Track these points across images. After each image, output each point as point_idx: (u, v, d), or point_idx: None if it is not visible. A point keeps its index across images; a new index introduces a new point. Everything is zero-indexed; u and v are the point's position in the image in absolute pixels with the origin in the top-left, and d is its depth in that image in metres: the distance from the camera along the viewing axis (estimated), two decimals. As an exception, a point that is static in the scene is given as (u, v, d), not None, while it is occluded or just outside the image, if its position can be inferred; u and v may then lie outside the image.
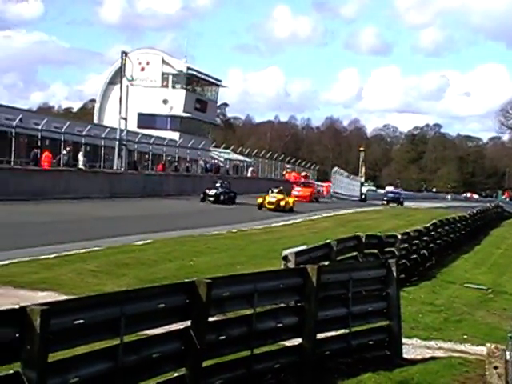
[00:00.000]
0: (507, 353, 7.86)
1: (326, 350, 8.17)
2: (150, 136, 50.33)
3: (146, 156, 48.01)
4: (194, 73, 72.46)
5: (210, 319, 6.56)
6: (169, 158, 50.80)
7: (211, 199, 36.36)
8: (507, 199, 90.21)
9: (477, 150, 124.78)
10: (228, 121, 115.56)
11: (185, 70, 70.66)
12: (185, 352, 6.23)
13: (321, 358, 7.93)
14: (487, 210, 43.05)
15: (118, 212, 26.99)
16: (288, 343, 7.89)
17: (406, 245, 16.98)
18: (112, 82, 65.14)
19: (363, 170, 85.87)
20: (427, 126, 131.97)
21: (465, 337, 11.58)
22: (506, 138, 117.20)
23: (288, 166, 70.24)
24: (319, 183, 65.80)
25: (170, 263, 14.77)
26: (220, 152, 65.69)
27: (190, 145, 51.52)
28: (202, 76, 74.27)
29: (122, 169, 40.24)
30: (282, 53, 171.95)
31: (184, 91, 70.85)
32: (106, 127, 45.88)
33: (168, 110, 69.68)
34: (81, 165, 36.46)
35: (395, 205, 59.13)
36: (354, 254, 13.00)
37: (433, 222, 22.01)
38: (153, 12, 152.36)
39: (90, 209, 26.90)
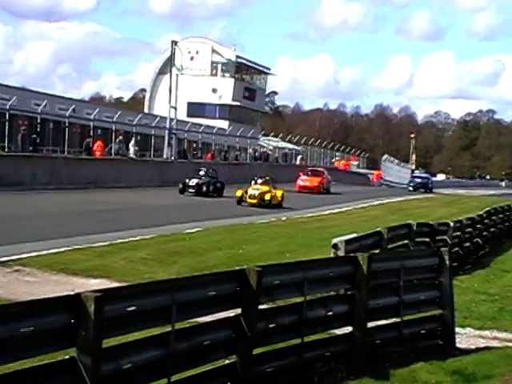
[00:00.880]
0: None
1: (376, 338, 8.10)
2: (200, 125, 50.60)
3: (195, 145, 48.30)
4: (243, 61, 72.50)
5: (260, 307, 6.57)
6: (218, 147, 51.03)
7: (191, 191, 29.67)
8: None
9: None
10: (277, 109, 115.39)
11: (234, 59, 70.75)
12: (235, 340, 6.25)
13: (372, 347, 7.87)
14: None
15: (168, 200, 27.24)
16: (338, 332, 7.86)
17: (458, 233, 16.70)
18: (162, 71, 65.69)
19: (414, 157, 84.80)
20: (480, 111, 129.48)
21: (521, 327, 11.33)
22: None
23: (337, 154, 69.81)
24: (367, 171, 64.85)
25: (220, 251, 14.84)
26: (269, 140, 65.65)
27: (238, 133, 51.62)
28: (251, 64, 74.26)
29: (172, 158, 40.56)
30: (332, 40, 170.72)
31: (233, 80, 70.97)
32: (156, 116, 46.29)
33: (217, 98, 69.93)
34: (131, 154, 36.91)
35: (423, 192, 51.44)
36: (405, 242, 12.84)
37: (486, 209, 21.58)
38: (203, 1, 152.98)
39: (140, 197, 27.23)
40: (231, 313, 6.45)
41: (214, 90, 69.79)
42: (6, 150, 31.85)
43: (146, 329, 5.53)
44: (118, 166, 32.97)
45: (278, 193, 28.65)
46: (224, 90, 70.03)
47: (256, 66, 75.17)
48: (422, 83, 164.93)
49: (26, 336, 4.33)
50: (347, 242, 9.79)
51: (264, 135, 66.54)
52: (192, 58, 67.48)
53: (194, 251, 14.47)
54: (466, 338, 9.86)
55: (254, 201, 27.21)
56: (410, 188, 53.94)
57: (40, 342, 4.49)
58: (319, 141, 68.38)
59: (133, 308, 5.13)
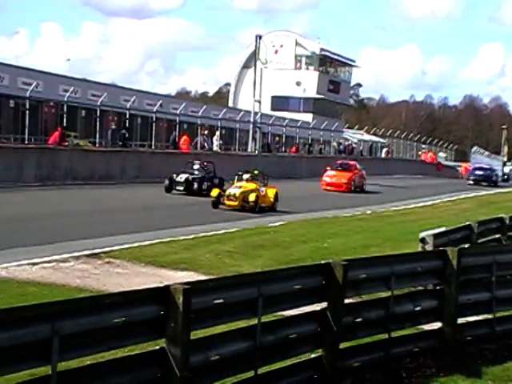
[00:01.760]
0: None
1: (467, 335, 7.90)
2: (284, 118, 50.65)
3: (279, 138, 48.39)
4: (327, 54, 72.04)
5: (346, 301, 6.51)
6: (302, 140, 50.94)
7: (179, 188, 23.80)
8: None
9: None
10: (361, 101, 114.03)
11: (318, 52, 70.41)
12: (321, 333, 6.22)
13: (462, 344, 7.68)
14: None
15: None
16: (427, 327, 7.71)
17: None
18: (246, 65, 66.06)
19: (506, 149, 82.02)
20: None
21: None
22: None
23: (424, 146, 68.43)
24: (453, 164, 62.96)
25: (305, 245, 14.81)
26: (353, 133, 65.04)
27: (323, 126, 51.36)
28: (335, 57, 73.70)
29: (256, 151, 40.80)
30: (420, 30, 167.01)
31: (317, 73, 70.65)
32: (241, 110, 46.68)
33: (301, 91, 69.79)
34: (216, 148, 37.34)
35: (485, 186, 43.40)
36: (497, 236, 12.46)
37: None
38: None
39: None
40: (317, 307, 6.42)
41: (298, 83, 69.67)
42: (97, 145, 32.88)
43: (232, 321, 5.58)
44: (203, 160, 33.39)
45: (270, 192, 21.63)
46: (308, 83, 69.80)
47: (340, 59, 74.55)
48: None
49: (118, 326, 4.44)
50: (435, 235, 9.60)
51: (348, 128, 65.98)
52: (276, 52, 67.53)
53: (278, 244, 14.50)
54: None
55: (234, 203, 20.44)
56: (470, 182, 45.19)
57: (131, 333, 4.60)
58: (405, 133, 67.19)
59: (220, 300, 5.18)
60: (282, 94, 67.44)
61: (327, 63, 73.07)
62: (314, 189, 31.43)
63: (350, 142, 57.58)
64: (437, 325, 7.59)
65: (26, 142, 29.98)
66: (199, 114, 38.40)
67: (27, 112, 30.07)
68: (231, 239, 14.57)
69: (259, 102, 41.93)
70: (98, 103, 32.63)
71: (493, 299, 8.23)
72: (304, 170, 41.73)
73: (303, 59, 71.08)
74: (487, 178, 45.86)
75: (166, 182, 24.03)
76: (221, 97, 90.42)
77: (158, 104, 35.64)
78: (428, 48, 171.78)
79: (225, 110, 43.41)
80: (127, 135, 32.94)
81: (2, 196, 20.16)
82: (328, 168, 33.13)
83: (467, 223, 11.46)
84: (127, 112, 34.38)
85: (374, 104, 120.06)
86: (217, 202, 20.79)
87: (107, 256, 11.65)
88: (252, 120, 41.27)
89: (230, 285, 5.46)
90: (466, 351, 7.68)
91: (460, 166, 61.88)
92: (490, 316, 8.28)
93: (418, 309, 7.29)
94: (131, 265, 11.23)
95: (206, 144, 36.43)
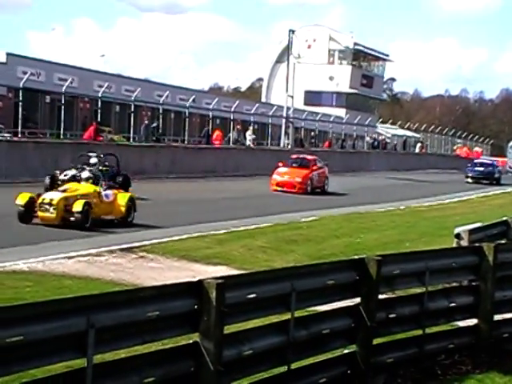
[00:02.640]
0: None
1: (504, 332, 7.80)
2: (316, 113, 50.48)
3: (312, 133, 48.26)
4: (361, 48, 71.57)
5: (380, 297, 6.47)
6: (335, 135, 50.73)
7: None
8: None
9: None
10: (395, 96, 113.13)
11: (351, 46, 69.99)
12: (355, 329, 6.20)
13: (498, 341, 7.58)
14: None
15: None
16: (462, 323, 7.62)
17: None
18: (279, 60, 65.98)
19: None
20: None
21: None
22: None
23: (459, 140, 67.64)
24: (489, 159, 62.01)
25: (337, 240, 14.76)
26: (387, 128, 64.57)
27: (356, 121, 51.08)
28: (369, 51, 73.18)
29: (289, 146, 40.73)
30: (455, 22, 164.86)
31: (350, 67, 70.25)
32: (273, 105, 46.60)
33: (334, 86, 69.48)
34: (249, 143, 37.36)
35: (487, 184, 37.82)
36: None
37: None
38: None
39: (258, 186, 27.50)
40: (350, 302, 6.39)
41: (331, 78, 69.35)
42: (131, 140, 33.14)
43: (265, 316, 5.58)
44: (236, 155, 33.50)
45: (121, 199, 15.14)
46: (341, 78, 69.44)
47: (374, 53, 73.99)
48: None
49: (152, 320, 4.47)
50: (471, 231, 9.49)
51: (382, 123, 65.49)
52: (309, 47, 67.27)
53: (310, 239, 14.47)
54: None
55: (51, 215, 13.79)
56: (469, 180, 38.49)
57: (165, 326, 4.63)
58: (440, 128, 66.46)
59: (253, 295, 5.18)
60: (315, 89, 67.21)
61: (360, 57, 72.58)
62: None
63: (383, 137, 57.18)
64: (472, 321, 7.50)
65: (62, 137, 30.34)
66: (232, 109, 38.45)
67: (63, 107, 30.42)
68: (264, 234, 14.58)
69: (292, 96, 41.84)
70: (132, 98, 32.86)
71: (530, 296, 8.10)
72: (337, 164, 41.54)
73: (336, 53, 70.72)
74: (488, 175, 39.30)
75: (47, 180, 16.66)
76: (253, 92, 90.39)
77: (191, 99, 35.78)
78: (464, 41, 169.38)
79: (257, 105, 43.41)
80: (160, 129, 33.12)
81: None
82: (280, 164, 26.76)
83: (504, 218, 11.29)
84: (160, 107, 34.57)
85: (407, 98, 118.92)
86: (26, 214, 13.90)
87: (141, 250, 11.75)
88: (285, 115, 41.20)
89: (263, 279, 5.46)
90: (503, 348, 7.58)
91: (496, 161, 60.99)
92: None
93: (452, 305, 7.21)
94: (164, 259, 11.30)
95: (238, 139, 36.48)
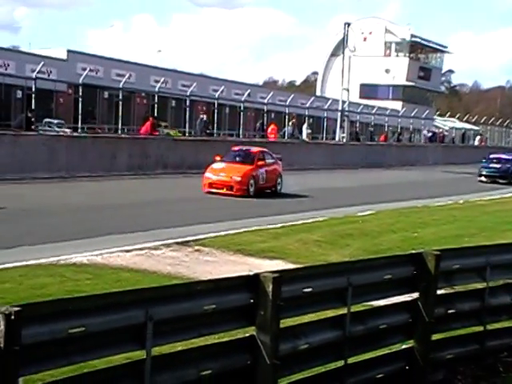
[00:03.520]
0: None
1: None
2: (372, 106, 50.00)
3: (368, 127, 47.83)
4: (418, 40, 70.55)
5: (439, 292, 6.37)
6: (391, 128, 50.15)
7: None
8: None
9: None
10: (453, 88, 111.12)
11: (408, 38, 69.07)
12: (412, 324, 6.12)
13: None
14: None
15: (339, 183, 27.22)
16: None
17: None
18: (334, 53, 65.61)
19: None
20: None
21: None
22: None
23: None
24: None
25: (394, 234, 14.59)
26: (445, 121, 63.50)
27: (412, 114, 50.38)
28: (426, 43, 72.10)
29: (344, 140, 40.47)
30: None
31: (407, 59, 69.35)
32: (329, 99, 46.37)
33: (390, 79, 68.69)
34: (304, 137, 37.26)
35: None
36: None
37: None
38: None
39: (313, 180, 27.42)
40: (407, 297, 6.31)
41: (388, 71, 68.59)
42: (187, 134, 33.46)
43: (321, 310, 5.55)
44: (291, 149, 33.43)
45: None
46: (398, 71, 68.61)
47: (432, 45, 72.85)
48: None
49: (209, 313, 4.50)
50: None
51: (439, 116, 64.42)
52: (365, 39, 66.63)
53: (366, 234, 14.35)
54: None
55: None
56: (482, 179, 31.89)
57: (221, 320, 4.65)
58: (500, 120, 64.97)
59: (309, 289, 5.17)
60: (371, 82, 66.59)
61: (418, 50, 71.56)
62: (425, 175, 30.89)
63: (441, 130, 56.24)
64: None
65: (119, 132, 30.85)
66: (287, 102, 38.40)
67: (120, 103, 30.92)
68: (319, 228, 14.52)
69: (347, 90, 41.52)
70: (188, 93, 33.17)
71: None
72: (393, 158, 41.08)
73: (393, 46, 69.90)
74: (506, 174, 32.04)
75: None
76: (308, 85, 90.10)
77: (246, 93, 35.89)
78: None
79: (312, 99, 43.28)
80: (209, 123, 33.23)
81: (97, 184, 20.86)
82: (217, 158, 20.99)
83: None
84: (216, 101, 34.78)
85: (466, 90, 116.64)
86: None
87: (197, 244, 11.85)
88: (340, 108, 40.94)
89: (320, 274, 5.43)
90: None
91: None
92: None
93: (515, 301, 7.05)
94: (220, 253, 11.37)
95: (293, 133, 36.41)
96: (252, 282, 4.74)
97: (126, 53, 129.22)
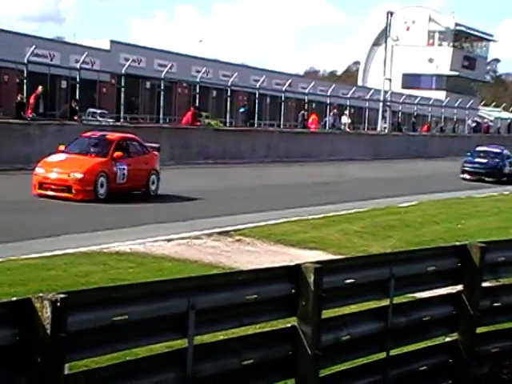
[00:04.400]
0: None
1: None
2: (415, 96, 49.40)
3: (411, 117, 47.28)
4: (463, 29, 69.39)
5: (484, 284, 6.27)
6: (434, 119, 49.50)
7: None
8: None
9: None
10: (499, 77, 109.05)
11: (452, 27, 67.99)
12: (456, 317, 6.03)
13: None
14: None
15: (381, 173, 26.99)
16: None
17: None
18: (376, 43, 64.98)
19: None
20: None
21: None
22: None
23: None
24: None
25: (437, 226, 14.41)
26: (490, 111, 62.42)
27: (456, 104, 49.61)
28: (471, 31, 70.86)
29: (386, 130, 40.08)
30: None
31: (451, 49, 68.29)
32: (370, 89, 45.96)
33: (434, 68, 67.73)
34: (346, 127, 37.02)
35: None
36: None
37: None
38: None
39: (354, 170, 27.24)
40: (451, 289, 6.23)
41: (431, 60, 67.64)
42: (228, 124, 33.52)
43: (363, 302, 5.51)
44: (332, 140, 33.26)
45: None
46: (441, 60, 67.60)
47: (477, 33, 71.56)
48: None
49: (250, 303, 4.49)
50: None
51: (484, 105, 63.35)
52: (408, 28, 65.80)
53: (408, 225, 14.20)
54: None
55: None
56: (466, 175, 26.93)
57: (262, 310, 4.64)
58: (547, 110, 63.68)
59: (351, 280, 5.12)
60: (414, 72, 65.73)
61: (462, 38, 70.40)
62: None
63: (485, 120, 55.33)
64: None
65: (161, 122, 31.05)
66: (328, 93, 38.17)
67: (162, 93, 31.11)
68: (360, 219, 14.42)
69: (389, 79, 41.10)
70: (229, 83, 33.20)
71: None
72: (436, 149, 40.56)
73: (436, 35, 68.88)
74: (492, 170, 27.10)
75: None
76: (349, 75, 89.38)
77: (287, 83, 35.76)
78: None
79: (354, 89, 42.93)
80: (250, 113, 33.22)
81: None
82: (60, 147, 15.71)
83: None
84: (257, 92, 34.75)
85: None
86: None
87: (238, 234, 11.87)
88: (382, 98, 40.54)
89: (362, 265, 5.38)
90: None
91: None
92: None
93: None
94: (261, 243, 11.38)
95: (334, 123, 36.21)
96: (293, 273, 4.71)
97: (168, 43, 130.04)
